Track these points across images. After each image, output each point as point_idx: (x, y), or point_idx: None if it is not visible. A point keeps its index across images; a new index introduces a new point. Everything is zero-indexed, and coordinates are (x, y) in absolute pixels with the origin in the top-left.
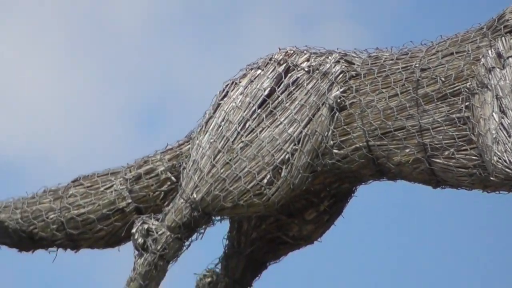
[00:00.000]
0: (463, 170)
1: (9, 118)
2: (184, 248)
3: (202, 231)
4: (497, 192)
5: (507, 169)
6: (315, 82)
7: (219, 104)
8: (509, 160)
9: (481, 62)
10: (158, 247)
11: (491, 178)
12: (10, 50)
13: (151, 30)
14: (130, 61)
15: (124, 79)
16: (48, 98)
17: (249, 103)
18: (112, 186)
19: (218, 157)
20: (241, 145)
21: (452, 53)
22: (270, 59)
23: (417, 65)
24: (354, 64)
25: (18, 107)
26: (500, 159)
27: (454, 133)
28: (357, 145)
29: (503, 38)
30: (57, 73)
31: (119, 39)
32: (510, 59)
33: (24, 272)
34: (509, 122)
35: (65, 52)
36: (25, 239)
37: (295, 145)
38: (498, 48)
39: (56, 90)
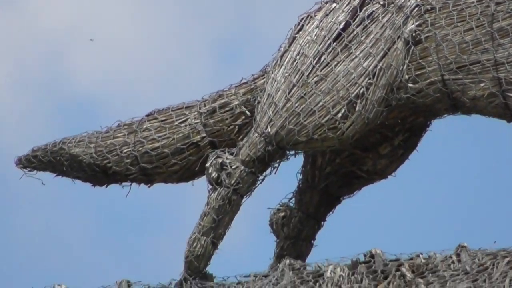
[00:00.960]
0: None
1: (89, 52)
2: (258, 182)
3: (276, 165)
4: None
5: None
6: (391, 16)
7: (294, 38)
8: None
9: None
10: (232, 181)
11: None
12: None
13: None
14: None
15: (200, 14)
16: (128, 34)
17: (324, 36)
18: (186, 120)
19: (292, 91)
20: (316, 79)
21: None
22: None
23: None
24: None
25: (99, 42)
26: None
27: None
28: (432, 79)
29: None
30: (137, 10)
31: None
32: None
33: (98, 206)
34: None
35: None
36: (99, 173)
37: (370, 79)
38: None
39: (134, 26)
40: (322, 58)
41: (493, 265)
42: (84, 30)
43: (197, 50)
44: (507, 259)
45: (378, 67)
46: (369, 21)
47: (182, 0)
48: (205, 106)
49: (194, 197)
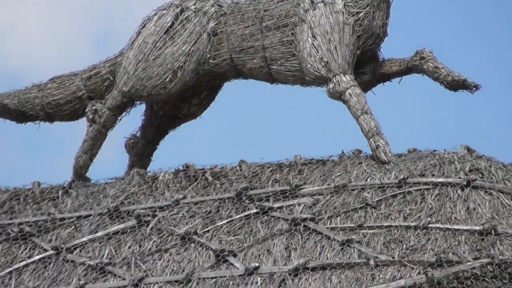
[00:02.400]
0: (289, 73)
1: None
2: (117, 121)
3: (129, 110)
4: (311, 87)
5: (315, 72)
6: (199, 18)
7: (140, 32)
8: (317, 66)
9: (301, 6)
10: (101, 120)
11: (306, 78)
12: None
13: None
14: None
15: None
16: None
17: (158, 31)
18: (73, 82)
19: (138, 64)
20: (153, 57)
21: (283, 0)
22: (171, 4)
23: (262, 8)
24: (223, 6)
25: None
26: (311, 66)
27: (284, 50)
28: (224, 57)
29: None
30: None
31: None
32: (319, 4)
33: (20, 137)
34: (317, 43)
35: None
36: (20, 115)
37: (186, 57)
38: None
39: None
40: (157, 44)
41: (261, 172)
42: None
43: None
44: (269, 169)
45: (191, 50)
46: (186, 21)
47: None
48: (85, 74)
49: (80, 132)
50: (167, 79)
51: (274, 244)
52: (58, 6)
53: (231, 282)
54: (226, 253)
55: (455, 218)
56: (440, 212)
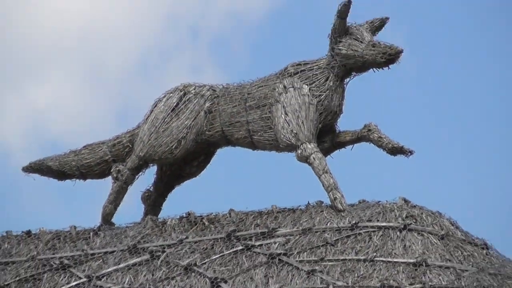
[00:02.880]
0: (267, 142)
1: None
2: (135, 179)
3: (144, 170)
4: (284, 153)
5: (287, 141)
6: (198, 99)
7: (152, 110)
8: (288, 137)
9: (276, 90)
10: (123, 178)
11: (280, 145)
12: None
13: None
14: None
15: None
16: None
17: (166, 109)
18: (101, 149)
19: (151, 135)
20: (162, 129)
21: (262, 86)
22: (176, 88)
23: (246, 91)
24: (216, 90)
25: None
26: (284, 136)
27: (263, 124)
28: (217, 130)
29: (286, 78)
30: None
31: None
32: (290, 88)
33: (61, 190)
34: (288, 118)
35: None
36: (60, 174)
37: (187, 129)
38: (284, 83)
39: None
40: (165, 119)
41: (246, 218)
42: None
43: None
44: (252, 216)
45: (192, 124)
46: (187, 102)
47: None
48: (110, 142)
49: (106, 187)
50: (173, 147)
51: (256, 273)
52: (89, 89)
53: None
54: (219, 280)
55: (395, 253)
56: (383, 248)
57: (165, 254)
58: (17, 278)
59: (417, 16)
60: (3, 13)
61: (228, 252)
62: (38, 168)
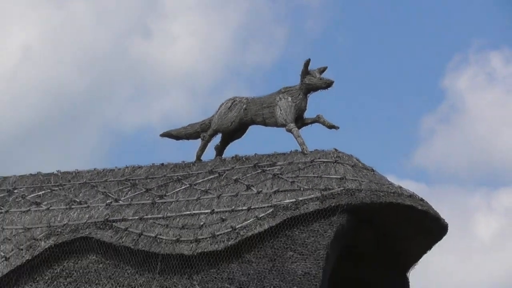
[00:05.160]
0: (272, 122)
1: None
2: (211, 140)
3: (215, 136)
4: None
5: (282, 122)
6: (239, 104)
7: (219, 107)
8: (281, 121)
9: (276, 99)
10: (205, 140)
11: (278, 124)
12: None
13: None
14: None
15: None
16: None
17: (224, 109)
18: (196, 126)
19: (219, 119)
20: (224, 117)
21: (269, 97)
22: (230, 98)
23: (261, 100)
24: (248, 99)
25: None
26: (280, 120)
27: (270, 115)
28: (248, 118)
29: (280, 94)
30: None
31: None
32: (282, 99)
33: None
34: (282, 112)
35: None
36: (177, 138)
37: (235, 118)
38: (279, 96)
39: None
40: (226, 112)
41: None
42: None
43: None
44: None
45: (237, 115)
46: (234, 105)
47: None
48: (200, 122)
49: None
50: (229, 125)
51: (265, 182)
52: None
53: None
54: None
55: (330, 173)
56: (326, 170)
57: (225, 174)
58: None
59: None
60: None
61: (254, 172)
62: (167, 135)
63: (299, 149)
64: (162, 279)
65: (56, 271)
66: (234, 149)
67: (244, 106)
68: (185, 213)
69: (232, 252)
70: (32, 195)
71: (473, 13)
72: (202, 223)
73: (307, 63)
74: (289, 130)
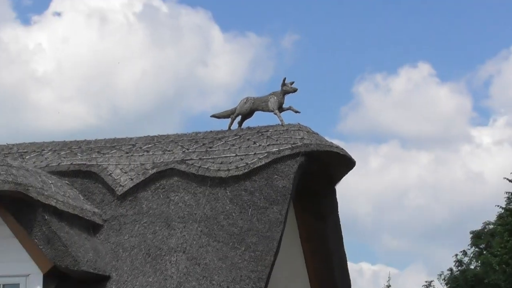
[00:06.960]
0: (267, 110)
1: None
2: (235, 118)
3: (235, 117)
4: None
5: (272, 109)
6: (250, 100)
7: (239, 103)
8: (271, 108)
9: (268, 97)
10: (234, 116)
11: (270, 110)
12: None
13: None
14: None
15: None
16: None
17: (243, 102)
18: (230, 111)
19: (241, 108)
20: (244, 106)
21: (265, 96)
22: (244, 98)
23: (262, 99)
24: (254, 97)
25: None
26: (271, 108)
27: (264, 107)
28: (254, 108)
29: (271, 95)
30: None
31: None
32: (271, 97)
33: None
34: (271, 104)
35: None
36: (223, 118)
37: (249, 108)
38: (270, 96)
39: None
40: (244, 105)
41: None
42: None
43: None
44: None
45: (249, 106)
46: (247, 101)
47: None
48: (232, 109)
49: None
50: (245, 110)
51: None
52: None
53: None
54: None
55: (293, 138)
56: (294, 136)
57: (242, 136)
58: None
59: None
60: None
61: (257, 135)
62: (215, 116)
63: (280, 123)
64: (210, 189)
65: (156, 185)
66: (247, 123)
67: (252, 101)
68: (222, 155)
69: (246, 176)
70: (145, 146)
71: None
72: (230, 161)
73: (284, 80)
74: (275, 114)
